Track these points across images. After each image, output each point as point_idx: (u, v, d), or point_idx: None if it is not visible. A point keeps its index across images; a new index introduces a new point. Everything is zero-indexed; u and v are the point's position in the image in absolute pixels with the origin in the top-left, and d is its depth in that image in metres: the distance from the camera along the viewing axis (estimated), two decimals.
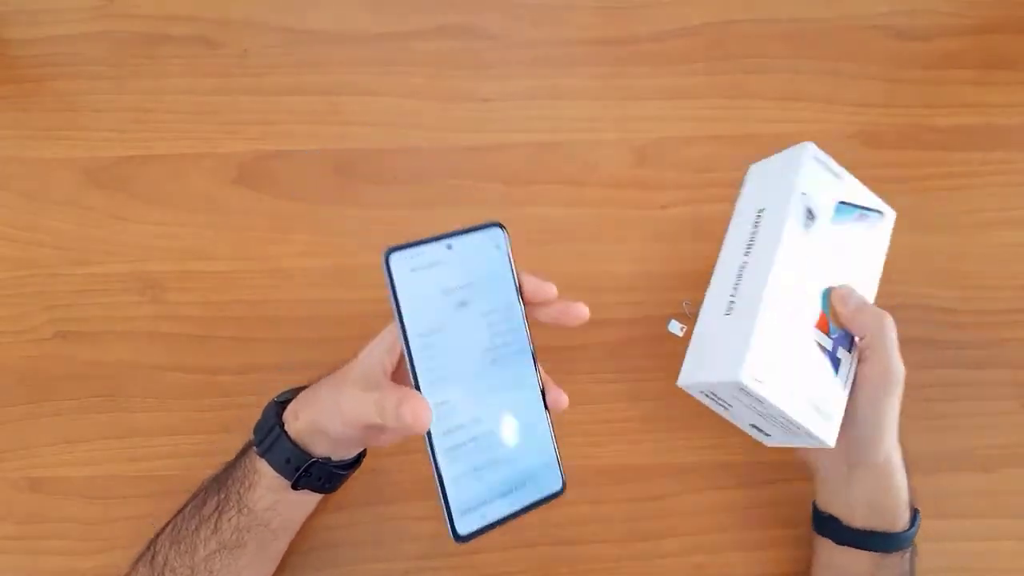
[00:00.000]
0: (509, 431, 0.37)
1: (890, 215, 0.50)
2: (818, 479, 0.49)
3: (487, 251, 0.38)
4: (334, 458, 0.44)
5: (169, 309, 0.55)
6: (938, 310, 0.56)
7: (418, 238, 0.36)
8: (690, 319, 0.55)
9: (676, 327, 0.55)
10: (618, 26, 0.58)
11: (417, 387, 0.35)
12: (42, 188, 0.57)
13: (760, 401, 0.41)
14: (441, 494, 0.36)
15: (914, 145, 0.57)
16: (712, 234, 0.56)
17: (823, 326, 0.44)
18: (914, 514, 0.46)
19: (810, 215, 0.46)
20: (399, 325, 0.35)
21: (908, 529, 0.46)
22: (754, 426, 0.45)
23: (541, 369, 0.38)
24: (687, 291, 0.56)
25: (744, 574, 0.53)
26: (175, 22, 0.59)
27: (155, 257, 0.56)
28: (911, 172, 0.57)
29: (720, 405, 0.45)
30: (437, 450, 0.36)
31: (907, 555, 0.46)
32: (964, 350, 0.55)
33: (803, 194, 0.46)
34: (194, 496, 0.47)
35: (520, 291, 0.38)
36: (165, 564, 0.45)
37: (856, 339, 0.45)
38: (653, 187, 0.57)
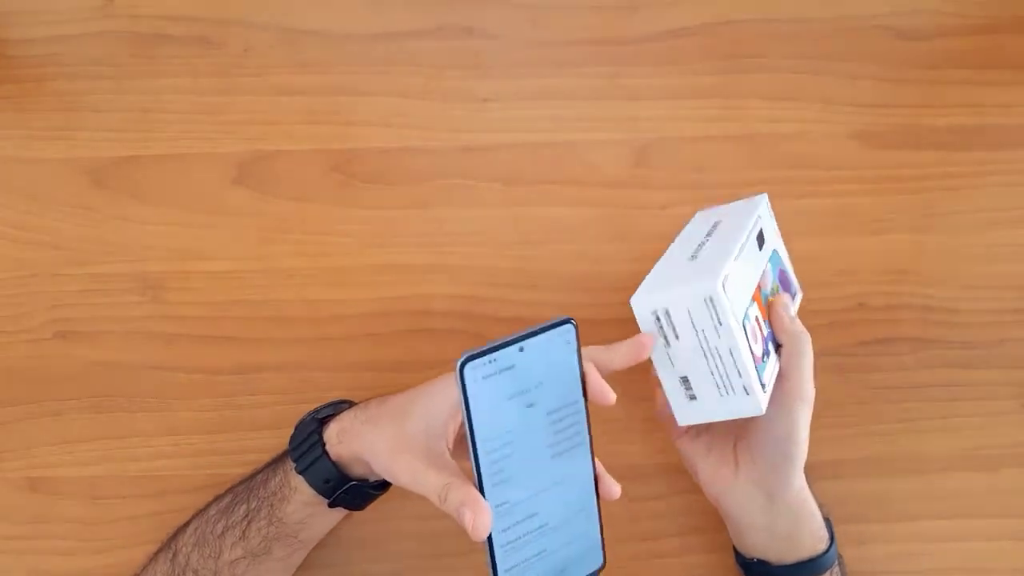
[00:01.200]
0: (561, 523, 0.38)
1: (797, 297, 0.51)
2: (734, 523, 0.47)
3: (557, 349, 0.37)
4: (371, 479, 0.45)
5: (169, 309, 0.55)
6: (938, 310, 0.56)
7: (491, 344, 0.35)
8: None
9: None
10: (618, 26, 0.58)
11: (481, 488, 0.35)
12: (42, 188, 0.57)
13: (720, 324, 0.40)
14: None
15: (914, 145, 0.57)
16: None
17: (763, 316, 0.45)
18: (829, 524, 0.46)
19: (761, 239, 0.47)
20: (469, 433, 0.35)
21: (831, 544, 0.45)
22: (684, 380, 0.42)
23: (596, 460, 0.39)
24: None
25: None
26: (175, 22, 0.59)
27: (155, 257, 0.56)
28: (911, 172, 0.57)
29: (666, 336, 0.42)
30: (495, 547, 0.36)
31: (836, 568, 0.46)
32: (964, 350, 0.55)
33: (759, 217, 0.47)
34: (218, 499, 0.47)
35: (584, 385, 0.38)
36: (187, 564, 0.45)
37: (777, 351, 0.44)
38: (653, 187, 0.57)
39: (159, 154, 0.57)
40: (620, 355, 0.40)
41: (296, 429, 0.46)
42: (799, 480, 0.44)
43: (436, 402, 0.40)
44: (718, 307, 0.39)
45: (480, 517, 0.34)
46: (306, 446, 0.44)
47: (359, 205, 0.57)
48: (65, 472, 0.54)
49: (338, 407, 0.47)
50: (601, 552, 0.39)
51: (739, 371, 0.40)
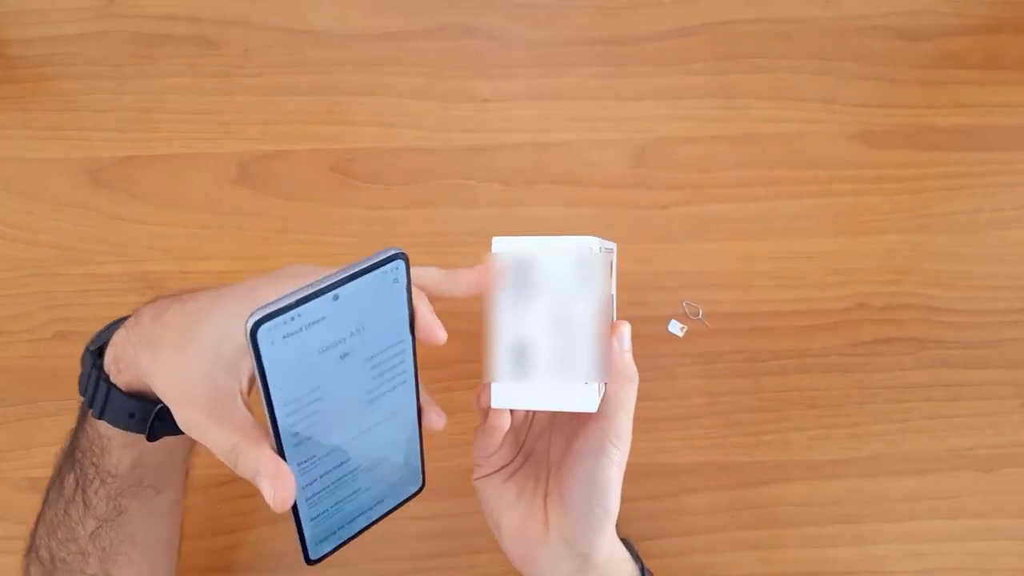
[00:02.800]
0: (377, 462, 0.35)
1: None
2: None
3: (382, 289, 0.31)
4: None
5: None
6: (938, 310, 0.56)
7: (295, 295, 0.28)
8: (690, 319, 0.55)
9: (676, 327, 0.55)
10: (618, 26, 0.58)
11: (280, 449, 0.30)
12: (42, 188, 0.57)
13: (589, 289, 0.34)
14: (297, 528, 0.33)
15: (914, 145, 0.57)
16: (712, 234, 0.56)
17: None
18: (631, 549, 0.43)
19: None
20: (264, 398, 0.29)
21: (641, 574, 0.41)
22: (520, 347, 0.36)
23: (422, 391, 0.35)
24: (687, 291, 0.56)
25: (744, 574, 0.53)
26: (175, 22, 0.59)
27: (155, 257, 0.56)
28: (911, 172, 0.57)
29: (519, 290, 0.36)
30: (298, 503, 0.32)
31: None
32: (964, 350, 0.55)
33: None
34: (52, 480, 0.41)
35: (413, 321, 0.33)
36: (53, 558, 0.40)
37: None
38: (653, 187, 0.57)
39: (159, 154, 0.57)
40: (464, 282, 0.35)
41: (81, 368, 0.39)
42: (608, 535, 0.39)
43: (230, 324, 0.31)
44: (592, 268, 0.34)
45: (280, 489, 0.29)
46: (91, 386, 0.38)
47: (359, 205, 0.57)
48: None
49: (112, 329, 0.39)
50: (420, 476, 0.37)
51: (586, 351, 0.35)
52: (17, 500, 0.54)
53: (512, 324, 0.36)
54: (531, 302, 0.35)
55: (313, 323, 0.29)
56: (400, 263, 0.31)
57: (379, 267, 0.30)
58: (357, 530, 0.36)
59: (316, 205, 0.57)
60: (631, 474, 0.54)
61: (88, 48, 0.58)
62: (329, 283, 0.29)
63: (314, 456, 0.32)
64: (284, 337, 0.28)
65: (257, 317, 0.27)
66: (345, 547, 0.53)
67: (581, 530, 0.38)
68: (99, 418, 0.37)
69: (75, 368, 0.55)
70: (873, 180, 0.57)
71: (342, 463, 0.33)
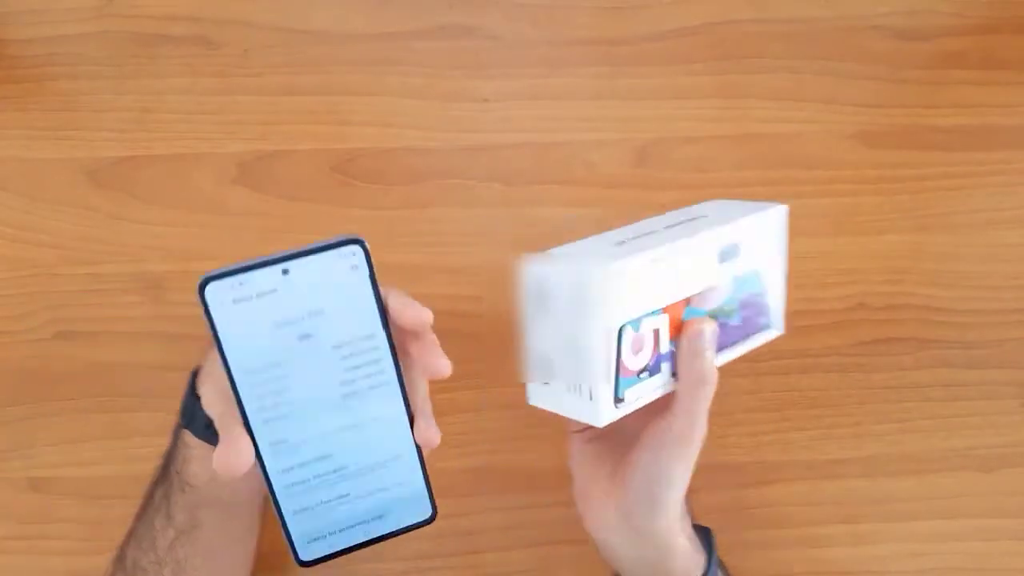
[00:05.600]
0: (368, 469, 0.35)
1: (766, 333, 0.44)
2: (600, 547, 0.43)
3: (339, 273, 0.32)
4: None
5: (169, 309, 0.55)
6: (938, 310, 0.56)
7: (244, 261, 0.30)
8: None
9: None
10: (618, 26, 0.58)
11: (247, 423, 0.32)
12: (42, 188, 0.57)
13: (584, 317, 0.35)
14: (280, 521, 0.34)
15: (914, 145, 0.57)
16: None
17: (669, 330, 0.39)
18: (708, 539, 0.44)
19: (730, 253, 0.41)
20: (222, 362, 0.31)
21: (707, 569, 0.42)
22: (546, 360, 0.38)
23: (416, 400, 0.35)
24: None
25: (744, 574, 0.53)
26: (175, 22, 0.59)
27: (155, 257, 0.56)
28: (911, 172, 0.57)
29: (541, 309, 0.37)
30: (274, 486, 0.33)
31: None
32: (964, 350, 0.55)
33: (746, 229, 0.41)
34: (145, 493, 0.45)
35: (386, 319, 0.33)
36: (135, 566, 0.43)
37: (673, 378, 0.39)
38: (653, 187, 0.57)
39: (159, 154, 0.57)
40: (405, 316, 0.34)
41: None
42: (665, 520, 0.40)
43: None
44: (589, 298, 0.35)
45: (224, 454, 0.31)
46: (185, 396, 0.41)
47: (359, 205, 0.57)
48: (65, 472, 0.54)
49: None
50: (429, 503, 0.36)
51: (589, 372, 0.36)
52: (17, 500, 0.54)
53: (536, 335, 0.37)
54: (550, 319, 0.37)
55: (264, 294, 0.31)
56: (357, 248, 0.31)
57: (331, 249, 0.31)
58: (354, 542, 0.36)
59: (316, 205, 0.57)
60: None
61: (88, 48, 0.58)
62: (277, 256, 0.30)
63: (287, 440, 0.33)
64: (234, 301, 0.30)
65: (205, 276, 0.29)
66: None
67: (635, 510, 0.40)
68: (186, 427, 0.41)
69: (75, 368, 0.55)
70: (873, 180, 0.57)
71: (323, 457, 0.34)
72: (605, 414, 0.36)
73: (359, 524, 0.35)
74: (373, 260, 0.32)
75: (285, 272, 0.31)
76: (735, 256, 0.41)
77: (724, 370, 0.55)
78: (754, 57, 0.58)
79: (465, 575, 0.53)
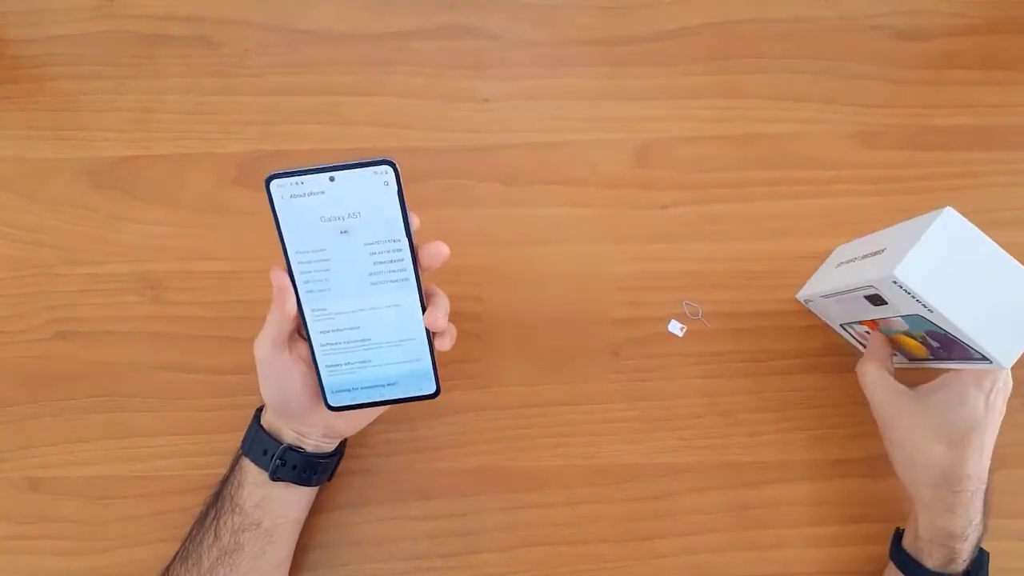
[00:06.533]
0: (387, 343, 0.43)
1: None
2: (914, 511, 0.48)
3: (375, 187, 0.39)
4: (308, 448, 0.47)
5: (169, 309, 0.55)
6: None
7: (301, 167, 0.39)
8: (690, 319, 0.55)
9: (676, 327, 0.55)
10: (618, 26, 0.58)
11: (298, 296, 0.41)
12: (42, 188, 0.57)
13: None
14: (317, 375, 0.43)
15: (914, 145, 0.57)
16: (712, 234, 0.56)
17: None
18: (979, 555, 0.47)
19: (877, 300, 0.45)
20: (281, 242, 0.40)
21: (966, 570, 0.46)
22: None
23: (425, 296, 0.43)
24: (687, 291, 0.56)
25: (744, 574, 0.53)
26: (175, 22, 0.59)
27: (155, 257, 0.56)
28: (911, 172, 0.57)
29: (880, 304, 0.44)
30: (314, 344, 0.42)
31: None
32: None
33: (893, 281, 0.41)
34: (197, 516, 0.48)
35: (409, 229, 0.41)
36: None
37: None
38: (653, 187, 0.57)
39: (159, 154, 0.57)
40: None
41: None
42: (972, 467, 0.46)
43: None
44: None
45: (278, 293, 0.41)
46: (250, 427, 0.47)
47: None
48: (65, 472, 0.54)
49: None
50: (434, 381, 0.44)
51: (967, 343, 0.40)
52: (17, 500, 0.54)
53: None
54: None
55: (314, 193, 0.39)
56: (389, 168, 0.39)
57: (369, 166, 0.39)
58: (370, 400, 0.44)
59: None
60: (632, 475, 0.54)
61: (88, 48, 0.58)
62: (327, 166, 0.39)
63: (325, 309, 0.42)
64: (292, 196, 0.39)
65: (269, 174, 0.39)
66: (344, 547, 0.54)
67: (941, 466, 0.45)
68: (245, 454, 0.47)
69: (75, 368, 0.55)
70: (873, 180, 0.57)
71: (353, 328, 0.42)
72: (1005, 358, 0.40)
73: (376, 387, 0.44)
74: (402, 181, 0.39)
75: (332, 179, 0.39)
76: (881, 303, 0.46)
77: (724, 370, 0.55)
78: (754, 57, 0.58)
79: (465, 575, 0.53)
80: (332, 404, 0.44)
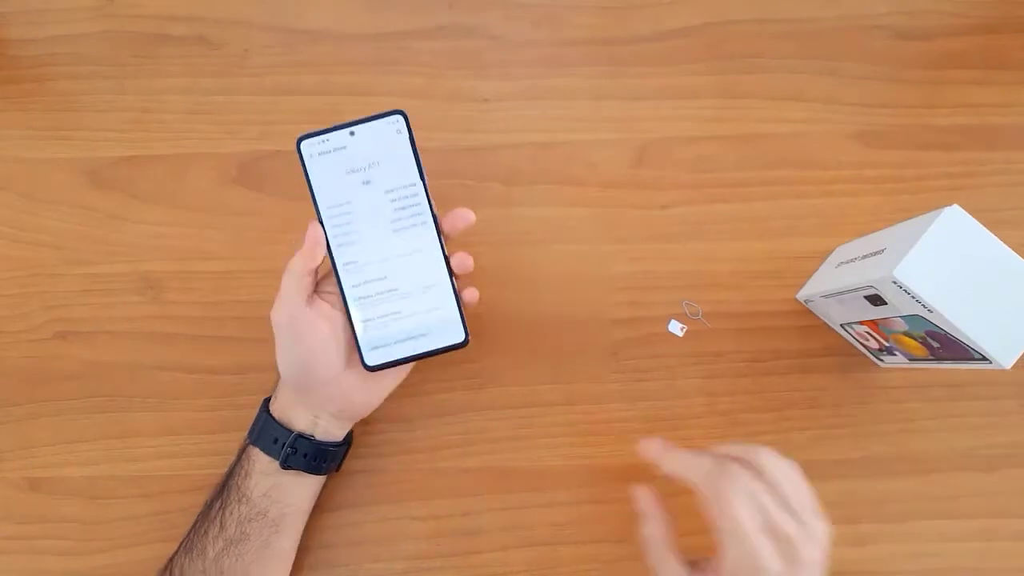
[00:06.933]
0: (414, 291, 0.45)
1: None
2: None
3: (389, 135, 0.44)
4: (318, 436, 0.47)
5: (169, 309, 0.55)
6: None
7: (325, 127, 0.43)
8: (690, 319, 0.55)
9: (676, 327, 0.55)
10: (618, 26, 0.58)
11: (330, 250, 0.44)
12: (42, 188, 0.57)
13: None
14: (353, 333, 0.45)
15: (914, 145, 0.57)
16: (712, 234, 0.56)
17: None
18: None
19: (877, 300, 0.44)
20: (313, 200, 0.44)
21: None
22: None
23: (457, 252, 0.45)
24: (687, 291, 0.56)
25: None
26: (175, 22, 0.59)
27: (155, 257, 0.56)
28: (911, 172, 0.57)
29: (881, 304, 0.44)
30: (348, 299, 0.44)
31: None
32: None
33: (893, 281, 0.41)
34: (203, 507, 0.48)
35: (423, 173, 0.44)
36: (182, 572, 0.46)
37: None
38: (653, 187, 0.57)
39: (159, 154, 0.57)
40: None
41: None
42: None
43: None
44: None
45: (310, 235, 0.43)
46: (257, 414, 0.48)
47: None
48: (65, 472, 0.54)
49: None
50: (462, 328, 0.45)
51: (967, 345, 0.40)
52: (17, 500, 0.54)
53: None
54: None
55: (338, 149, 0.44)
56: (400, 117, 0.44)
57: (382, 117, 0.43)
58: (407, 354, 0.45)
59: None
60: (632, 475, 0.54)
61: (88, 48, 0.58)
62: (347, 123, 0.44)
63: (355, 261, 0.44)
64: (320, 154, 0.44)
65: (300, 136, 0.43)
66: (344, 547, 0.54)
67: None
68: (253, 443, 0.47)
69: (75, 368, 0.55)
70: (873, 180, 0.57)
71: (381, 278, 0.45)
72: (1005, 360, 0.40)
73: (408, 339, 0.45)
74: (412, 127, 0.43)
75: (352, 134, 0.43)
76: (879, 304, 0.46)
77: (724, 370, 0.55)
78: (754, 57, 0.58)
79: (465, 575, 0.53)
80: (369, 364, 0.45)
